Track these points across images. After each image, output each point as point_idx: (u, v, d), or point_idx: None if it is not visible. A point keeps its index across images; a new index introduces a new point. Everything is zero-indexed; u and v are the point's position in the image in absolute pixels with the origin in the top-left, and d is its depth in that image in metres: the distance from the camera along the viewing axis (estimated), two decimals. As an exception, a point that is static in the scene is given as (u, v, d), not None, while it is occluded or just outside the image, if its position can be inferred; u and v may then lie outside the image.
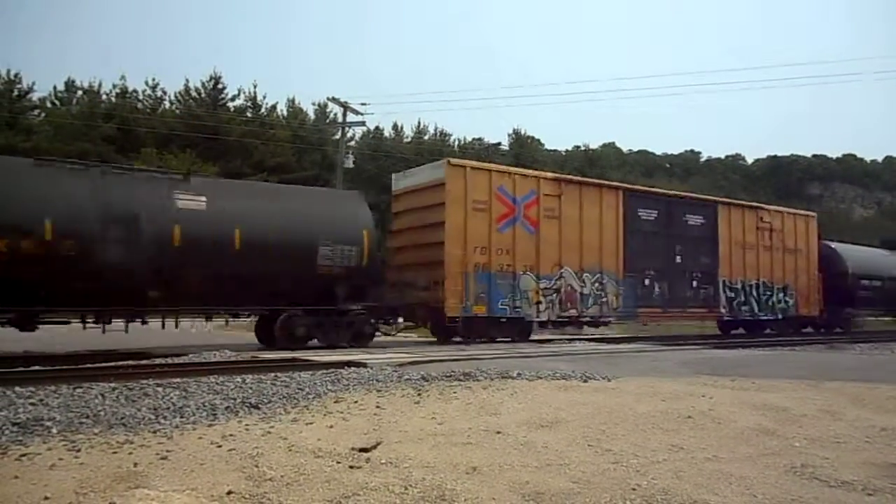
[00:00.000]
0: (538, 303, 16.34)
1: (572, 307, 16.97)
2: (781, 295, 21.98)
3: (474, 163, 17.56)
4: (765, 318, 21.62)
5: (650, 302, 18.54)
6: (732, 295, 20.58)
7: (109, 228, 11.45)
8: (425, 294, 15.42)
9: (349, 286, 13.88)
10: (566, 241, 16.86)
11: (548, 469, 4.56)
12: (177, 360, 10.30)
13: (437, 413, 6.30)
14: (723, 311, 20.40)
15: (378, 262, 14.83)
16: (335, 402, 6.86)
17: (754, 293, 21.26)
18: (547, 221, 16.57)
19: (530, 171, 18.50)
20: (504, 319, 15.93)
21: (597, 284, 17.41)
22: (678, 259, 19.30)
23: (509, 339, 16.00)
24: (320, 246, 13.37)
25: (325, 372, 8.80)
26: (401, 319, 16.08)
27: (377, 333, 15.05)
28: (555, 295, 16.66)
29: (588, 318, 17.52)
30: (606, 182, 19.96)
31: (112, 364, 9.56)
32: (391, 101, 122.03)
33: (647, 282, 18.53)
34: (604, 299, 17.50)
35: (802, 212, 24.74)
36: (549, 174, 18.25)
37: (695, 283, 19.67)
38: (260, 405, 6.56)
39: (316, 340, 13.68)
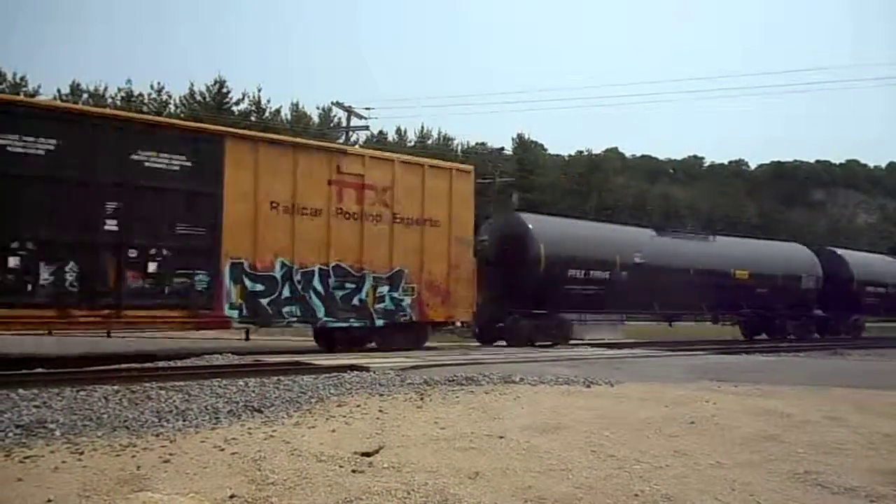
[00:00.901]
0: None
1: None
2: (385, 289, 13.79)
3: None
4: (340, 324, 13.42)
5: (19, 298, 10.43)
6: (259, 287, 12.38)
7: None
8: None
9: None
10: None
11: (550, 474, 4.56)
12: (180, 364, 10.32)
13: (439, 417, 6.31)
14: (230, 312, 12.11)
15: None
16: (338, 405, 6.87)
17: (317, 286, 13.02)
18: None
19: None
20: None
21: None
22: (110, 226, 11.23)
23: None
24: None
25: (327, 376, 8.82)
26: None
27: None
28: None
29: None
30: None
31: (115, 367, 9.59)
32: (395, 105, 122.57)
33: (14, 264, 10.46)
34: None
35: (440, 163, 16.65)
36: None
37: (154, 267, 11.49)
38: (262, 409, 6.57)
39: None
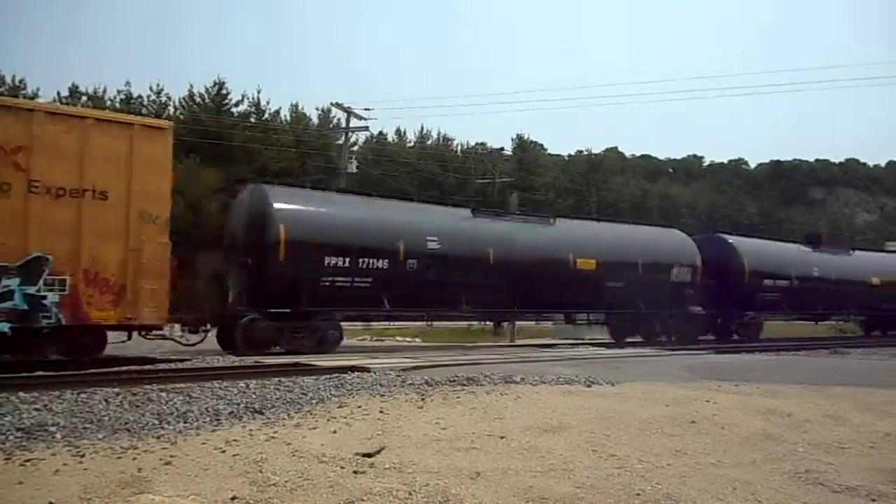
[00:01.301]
0: None
1: None
2: (13, 283, 10.22)
3: None
4: None
5: None
6: None
7: None
8: None
9: None
10: None
11: (552, 474, 4.56)
12: (180, 366, 10.33)
13: (440, 418, 6.31)
14: None
15: None
16: (339, 406, 6.87)
17: None
18: None
19: None
20: None
21: None
22: None
23: None
24: None
25: (328, 377, 8.83)
26: None
27: None
28: None
29: None
30: None
31: (116, 369, 9.59)
32: (395, 106, 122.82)
33: None
34: None
35: (114, 115, 13.31)
36: None
37: None
38: (263, 410, 6.57)
39: None
